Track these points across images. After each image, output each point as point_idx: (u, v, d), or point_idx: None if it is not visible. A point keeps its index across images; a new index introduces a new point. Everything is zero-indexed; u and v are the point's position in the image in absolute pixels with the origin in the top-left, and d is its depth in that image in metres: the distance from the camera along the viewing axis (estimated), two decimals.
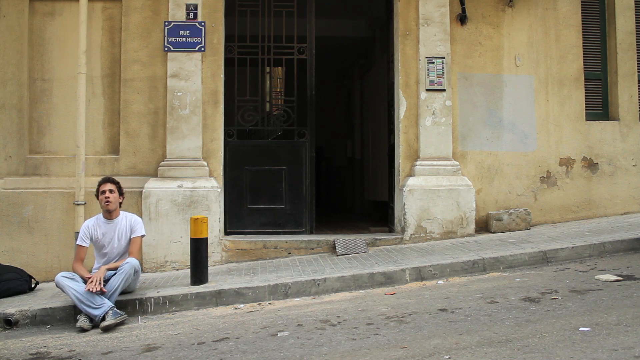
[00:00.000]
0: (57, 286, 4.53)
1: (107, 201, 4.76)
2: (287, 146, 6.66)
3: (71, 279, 4.52)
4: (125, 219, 4.87)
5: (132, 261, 4.65)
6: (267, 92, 8.55)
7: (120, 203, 4.91)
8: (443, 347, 3.17)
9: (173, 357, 3.49)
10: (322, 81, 7.94)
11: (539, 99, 6.83)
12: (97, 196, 4.84)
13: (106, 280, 4.53)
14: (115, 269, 4.61)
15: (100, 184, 4.83)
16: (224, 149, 6.34)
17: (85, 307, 4.37)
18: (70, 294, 4.44)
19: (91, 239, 4.80)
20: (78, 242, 4.78)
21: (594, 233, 5.85)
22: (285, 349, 3.41)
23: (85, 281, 4.51)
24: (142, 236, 4.93)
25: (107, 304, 4.37)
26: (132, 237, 4.83)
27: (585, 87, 6.99)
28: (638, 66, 7.09)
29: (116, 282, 4.51)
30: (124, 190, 5.79)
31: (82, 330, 4.31)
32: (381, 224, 7.16)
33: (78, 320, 4.39)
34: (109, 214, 4.82)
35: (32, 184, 6.03)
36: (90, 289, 4.34)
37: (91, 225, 4.82)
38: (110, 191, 4.78)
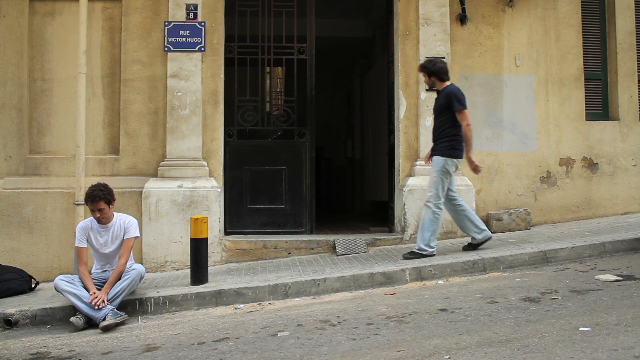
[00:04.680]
0: (57, 290, 4.51)
1: (100, 219, 4.67)
2: (287, 146, 6.66)
3: (71, 283, 4.50)
4: (119, 221, 4.76)
5: (139, 268, 4.65)
6: (267, 92, 8.56)
7: (112, 206, 4.76)
8: (443, 347, 3.17)
9: (173, 357, 3.49)
10: (322, 81, 7.96)
11: (539, 99, 6.83)
12: (86, 205, 4.72)
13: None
14: (120, 277, 4.57)
15: (89, 201, 4.60)
16: (224, 149, 6.34)
17: (85, 310, 4.39)
18: (70, 298, 4.43)
19: (87, 240, 4.75)
20: (76, 245, 4.72)
21: (594, 233, 5.85)
22: (285, 349, 3.40)
23: (84, 286, 4.51)
24: (135, 238, 4.78)
25: (108, 307, 4.37)
26: (124, 237, 4.73)
27: (585, 87, 6.99)
28: (638, 66, 7.09)
29: (121, 288, 4.50)
30: (124, 190, 5.84)
31: (74, 327, 4.32)
32: (381, 224, 7.15)
33: (76, 315, 4.40)
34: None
35: (32, 184, 6.03)
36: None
37: (85, 227, 4.76)
38: (100, 210, 4.61)
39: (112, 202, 4.73)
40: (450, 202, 5.45)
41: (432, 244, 5.32)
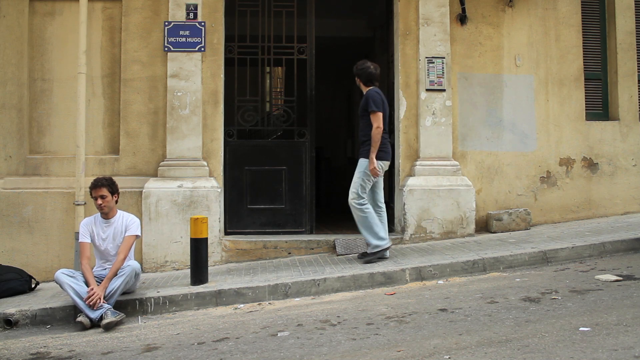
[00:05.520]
0: (57, 282, 4.54)
1: (101, 207, 4.72)
2: (287, 146, 6.66)
3: (72, 277, 4.53)
4: (122, 218, 4.83)
5: (133, 264, 4.66)
6: (267, 92, 8.56)
7: (116, 201, 4.85)
8: (443, 347, 3.17)
9: (173, 357, 3.49)
10: (322, 81, 7.96)
11: (539, 99, 6.83)
12: (91, 196, 4.80)
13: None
14: (116, 274, 4.59)
15: (92, 188, 4.74)
16: (224, 149, 6.34)
17: (83, 307, 4.39)
18: (69, 292, 4.45)
19: (90, 236, 4.79)
20: (80, 240, 4.76)
21: (594, 233, 5.85)
22: (285, 349, 3.41)
23: (86, 283, 4.53)
24: (136, 236, 4.82)
25: (105, 306, 4.38)
26: (125, 235, 4.77)
27: (585, 87, 6.98)
28: (638, 66, 7.09)
29: (116, 284, 4.52)
30: (124, 190, 5.82)
31: (82, 327, 4.33)
32: None
33: (79, 316, 4.41)
34: (106, 215, 4.81)
35: (32, 184, 6.03)
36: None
37: (89, 223, 4.82)
38: (102, 197, 4.70)
39: (115, 193, 4.81)
40: (375, 210, 5.48)
41: (381, 235, 5.36)
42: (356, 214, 5.40)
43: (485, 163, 6.69)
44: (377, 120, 5.31)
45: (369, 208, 5.39)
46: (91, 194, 4.78)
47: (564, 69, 6.89)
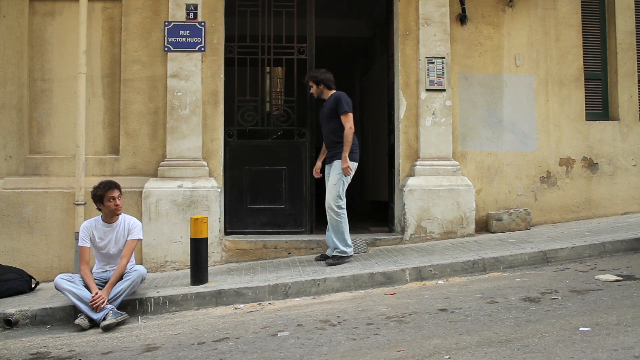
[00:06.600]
0: (57, 289, 4.51)
1: (118, 208, 4.69)
2: (287, 146, 6.66)
3: (71, 281, 4.50)
4: (124, 221, 4.78)
5: (140, 269, 4.66)
6: (267, 92, 8.55)
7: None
8: (443, 347, 3.17)
9: (173, 357, 3.49)
10: None
11: (539, 99, 6.83)
12: (99, 200, 4.68)
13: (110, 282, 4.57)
14: (121, 278, 4.59)
15: (107, 190, 4.65)
16: (224, 149, 6.34)
17: (86, 310, 4.39)
18: (70, 297, 4.43)
19: (90, 240, 4.76)
20: (80, 244, 4.73)
21: (594, 233, 5.85)
22: (285, 349, 3.41)
23: (86, 285, 4.51)
24: (139, 240, 4.80)
25: (108, 307, 4.38)
26: (127, 239, 4.73)
27: (585, 87, 6.99)
28: (638, 66, 7.09)
29: (122, 288, 4.51)
30: (124, 190, 5.80)
31: (81, 328, 4.32)
32: (381, 224, 7.15)
33: (78, 317, 4.40)
34: (111, 218, 4.75)
35: (32, 184, 6.03)
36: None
37: (90, 227, 4.77)
38: (119, 197, 4.69)
39: (121, 194, 4.81)
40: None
41: (349, 243, 5.45)
42: (332, 218, 5.41)
43: (485, 163, 6.69)
44: (350, 121, 5.41)
45: (345, 213, 5.44)
46: (102, 198, 4.65)
47: (564, 69, 6.89)
